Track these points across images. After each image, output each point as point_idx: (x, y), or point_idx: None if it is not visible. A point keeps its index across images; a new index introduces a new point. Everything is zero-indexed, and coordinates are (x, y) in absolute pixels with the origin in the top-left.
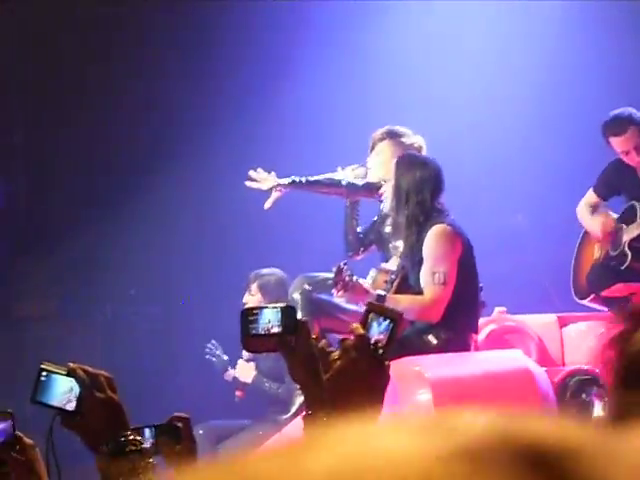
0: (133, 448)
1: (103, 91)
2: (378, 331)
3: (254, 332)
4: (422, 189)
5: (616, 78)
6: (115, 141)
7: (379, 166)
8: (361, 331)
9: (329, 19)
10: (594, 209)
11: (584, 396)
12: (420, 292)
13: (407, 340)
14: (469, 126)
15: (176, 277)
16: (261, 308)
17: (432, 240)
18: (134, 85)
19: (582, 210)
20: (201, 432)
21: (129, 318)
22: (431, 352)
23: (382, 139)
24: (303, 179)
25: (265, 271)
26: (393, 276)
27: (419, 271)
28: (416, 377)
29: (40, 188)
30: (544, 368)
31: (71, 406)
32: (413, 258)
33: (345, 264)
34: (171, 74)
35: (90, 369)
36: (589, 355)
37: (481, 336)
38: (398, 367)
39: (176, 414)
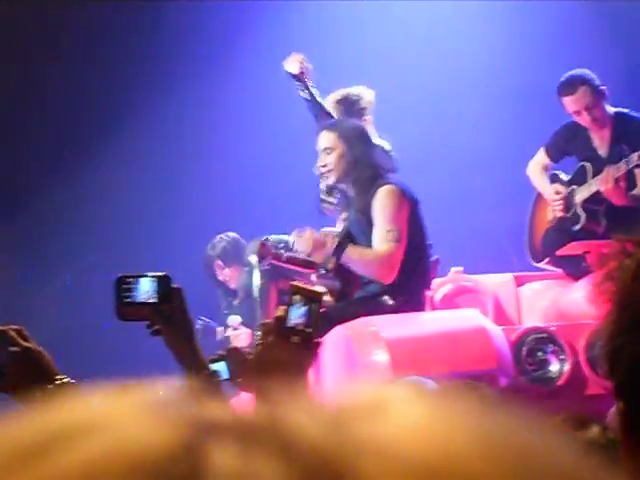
0: None
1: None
2: (298, 314)
3: (129, 300)
4: (369, 154)
5: (569, 37)
6: (71, 107)
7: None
8: (280, 313)
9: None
10: (544, 169)
11: (540, 354)
12: None
13: (361, 302)
14: (421, 85)
15: (138, 245)
16: (137, 277)
17: (382, 200)
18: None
19: (533, 171)
20: None
21: (90, 286)
22: (386, 313)
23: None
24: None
25: (217, 239)
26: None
27: (371, 232)
28: (372, 337)
29: None
30: (501, 327)
31: None
32: (366, 220)
33: (266, 239)
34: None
35: None
36: (545, 313)
37: (437, 296)
38: (354, 328)
39: None
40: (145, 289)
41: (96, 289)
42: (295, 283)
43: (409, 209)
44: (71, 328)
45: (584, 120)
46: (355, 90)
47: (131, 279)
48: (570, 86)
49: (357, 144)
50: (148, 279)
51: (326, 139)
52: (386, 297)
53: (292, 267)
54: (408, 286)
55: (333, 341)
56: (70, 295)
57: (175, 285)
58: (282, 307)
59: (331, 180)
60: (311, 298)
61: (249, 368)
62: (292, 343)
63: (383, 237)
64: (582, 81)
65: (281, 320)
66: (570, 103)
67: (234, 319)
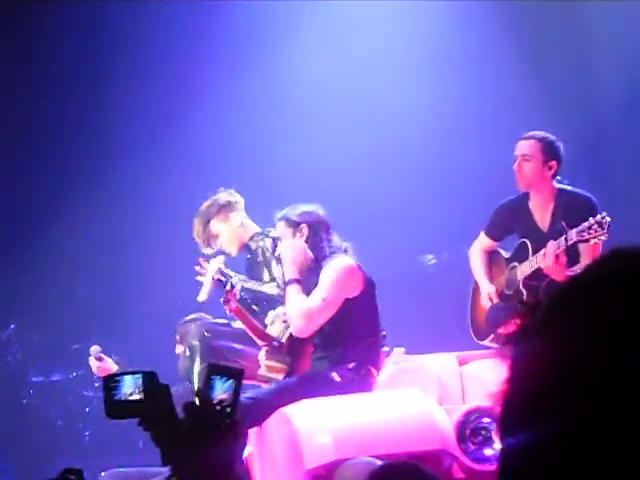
0: None
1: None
2: (222, 390)
3: (116, 398)
4: (318, 230)
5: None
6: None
7: (230, 239)
8: (201, 395)
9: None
10: (487, 251)
11: (484, 433)
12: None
13: (311, 378)
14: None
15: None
16: (122, 374)
17: (328, 268)
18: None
19: (473, 255)
20: None
21: None
22: (334, 389)
23: (205, 225)
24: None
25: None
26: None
27: None
28: (314, 420)
29: None
30: (444, 407)
31: None
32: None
33: (232, 286)
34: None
35: None
36: (488, 392)
37: (381, 377)
38: (296, 411)
39: (68, 467)
40: (130, 386)
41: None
42: (213, 362)
43: (363, 287)
44: None
45: (515, 168)
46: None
47: (118, 377)
48: (528, 135)
49: (300, 229)
50: (130, 376)
51: (277, 228)
52: (335, 374)
53: (247, 329)
54: (358, 364)
55: (276, 422)
56: None
57: (160, 383)
58: (199, 387)
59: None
60: (233, 376)
61: (176, 448)
62: (219, 419)
63: (315, 292)
64: (541, 138)
65: (204, 400)
66: (518, 147)
67: (96, 349)
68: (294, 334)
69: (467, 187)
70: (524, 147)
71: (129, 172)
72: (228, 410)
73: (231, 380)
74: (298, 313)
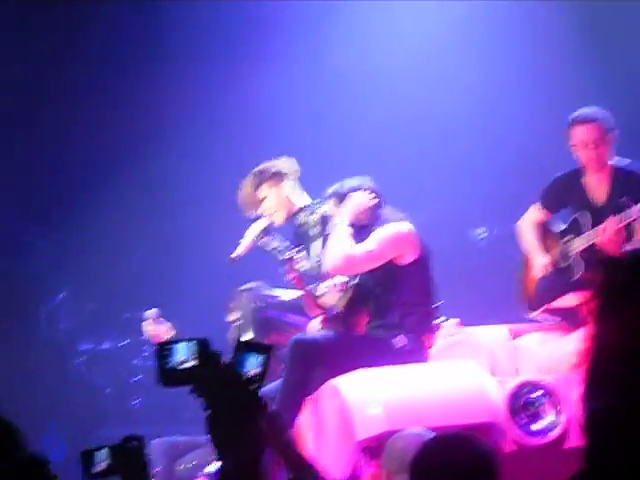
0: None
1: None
2: (256, 365)
3: (169, 366)
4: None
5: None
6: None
7: (276, 207)
8: (231, 371)
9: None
10: (539, 224)
11: (536, 406)
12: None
13: (368, 341)
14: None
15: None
16: (174, 342)
17: (384, 227)
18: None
19: (524, 228)
20: (158, 448)
21: None
22: (392, 356)
23: (256, 189)
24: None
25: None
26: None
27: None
28: (367, 391)
29: None
30: (496, 379)
31: None
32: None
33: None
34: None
35: None
36: (541, 366)
37: (434, 348)
38: (348, 380)
39: (130, 434)
40: (183, 353)
41: None
42: (241, 339)
43: (420, 253)
44: None
45: (586, 156)
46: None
47: (170, 345)
48: (584, 118)
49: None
50: (184, 343)
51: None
52: (395, 340)
53: (305, 298)
54: (414, 333)
55: (327, 393)
56: None
57: (213, 350)
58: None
59: None
60: (263, 351)
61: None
62: (245, 390)
63: (364, 243)
64: (594, 118)
65: (230, 370)
66: (580, 133)
67: (153, 312)
68: (325, 268)
69: (518, 162)
70: (588, 132)
71: (180, 142)
72: (256, 386)
73: (262, 356)
74: (340, 254)
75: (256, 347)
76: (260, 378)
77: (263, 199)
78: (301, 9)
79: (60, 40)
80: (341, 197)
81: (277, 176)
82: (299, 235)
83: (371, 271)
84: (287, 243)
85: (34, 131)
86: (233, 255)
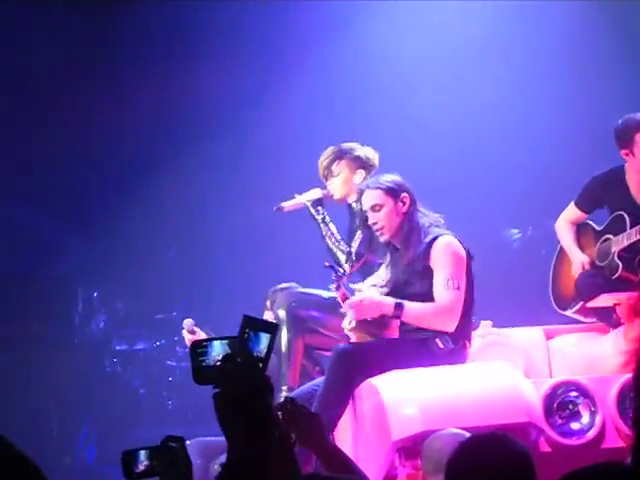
0: None
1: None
2: (263, 344)
3: (204, 364)
4: (415, 200)
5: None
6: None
7: (342, 186)
8: (238, 348)
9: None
10: (575, 223)
11: (571, 407)
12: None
13: (410, 341)
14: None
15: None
16: (209, 340)
17: (442, 250)
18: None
19: (561, 227)
20: (193, 448)
21: None
22: (432, 358)
23: (334, 161)
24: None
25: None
26: (385, 288)
27: (423, 280)
28: (403, 391)
29: None
30: (531, 380)
31: None
32: (416, 267)
33: (342, 274)
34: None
35: None
36: (575, 366)
37: (470, 349)
38: (384, 381)
39: (170, 435)
40: (218, 352)
41: None
42: (249, 316)
43: (466, 261)
44: None
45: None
46: (360, 151)
47: (205, 343)
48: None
49: (402, 198)
50: (218, 342)
51: (372, 197)
52: (437, 341)
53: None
54: (455, 337)
55: (365, 392)
56: None
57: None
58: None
59: (385, 237)
60: (269, 329)
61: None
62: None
63: (444, 286)
64: None
65: (237, 347)
66: None
67: (188, 322)
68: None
69: (553, 162)
70: None
71: (213, 144)
72: (260, 365)
73: (268, 335)
74: (440, 319)
75: (264, 326)
76: (266, 358)
77: (334, 174)
78: (328, 9)
79: (94, 40)
80: (392, 190)
81: (357, 161)
82: (351, 222)
83: (412, 283)
84: (340, 237)
85: (65, 131)
86: (282, 204)
